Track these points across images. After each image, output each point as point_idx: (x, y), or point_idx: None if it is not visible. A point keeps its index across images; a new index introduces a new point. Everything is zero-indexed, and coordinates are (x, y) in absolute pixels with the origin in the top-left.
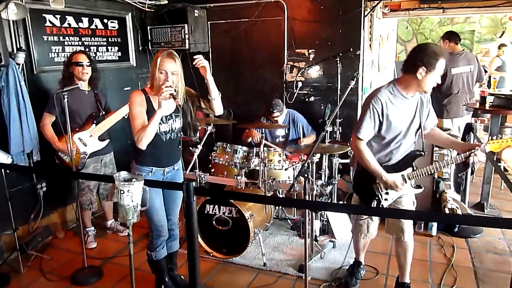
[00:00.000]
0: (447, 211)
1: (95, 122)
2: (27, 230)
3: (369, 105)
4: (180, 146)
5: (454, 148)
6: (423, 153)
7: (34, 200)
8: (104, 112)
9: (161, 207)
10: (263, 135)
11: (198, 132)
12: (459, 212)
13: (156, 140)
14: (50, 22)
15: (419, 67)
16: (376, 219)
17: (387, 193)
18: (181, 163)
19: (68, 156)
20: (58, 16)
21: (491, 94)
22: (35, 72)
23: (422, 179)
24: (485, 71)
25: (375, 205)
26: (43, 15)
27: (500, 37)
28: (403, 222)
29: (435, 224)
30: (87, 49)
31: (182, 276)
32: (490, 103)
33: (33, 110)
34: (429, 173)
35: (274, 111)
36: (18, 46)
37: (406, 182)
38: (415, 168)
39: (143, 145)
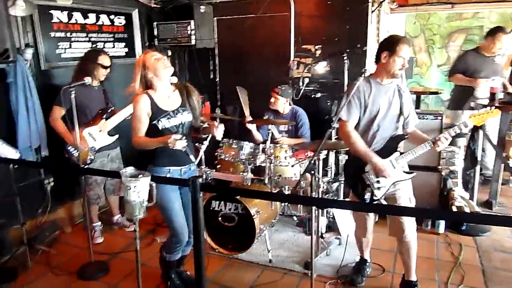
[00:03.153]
0: (454, 209)
1: (105, 117)
2: (34, 225)
3: (347, 91)
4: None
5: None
6: (406, 136)
7: (42, 195)
8: (113, 108)
9: (180, 211)
10: (269, 131)
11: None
12: (467, 210)
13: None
14: (57, 18)
15: (382, 53)
16: (371, 215)
17: (378, 182)
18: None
19: (78, 150)
20: (65, 12)
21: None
22: (42, 68)
23: (428, 176)
24: None
25: (369, 197)
26: (50, 11)
27: (510, 32)
28: (403, 222)
29: (442, 222)
30: (93, 45)
31: (188, 272)
32: (500, 100)
33: (40, 106)
34: (416, 155)
35: (278, 87)
36: (26, 42)
37: (395, 168)
38: (401, 152)
39: (138, 148)
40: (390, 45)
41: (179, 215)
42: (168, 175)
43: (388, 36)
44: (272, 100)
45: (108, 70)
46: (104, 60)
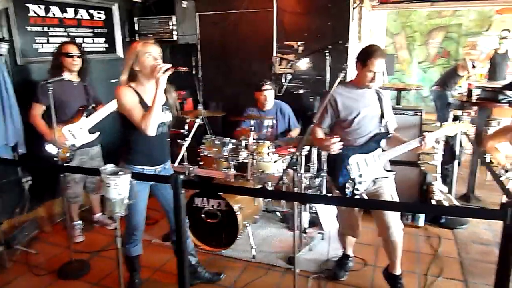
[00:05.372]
0: (433, 202)
1: (85, 114)
2: (12, 224)
3: (325, 98)
4: (168, 141)
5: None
6: (389, 134)
7: (20, 194)
8: (94, 105)
9: (143, 209)
10: (252, 127)
11: (187, 124)
12: (445, 203)
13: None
14: (34, 12)
15: (356, 63)
16: (357, 214)
17: (360, 176)
18: (169, 161)
19: (59, 147)
20: (42, 6)
21: (478, 87)
22: (18, 63)
23: (408, 171)
24: (474, 66)
25: (350, 191)
26: (27, 4)
27: (487, 30)
28: (388, 221)
29: (422, 216)
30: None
31: (207, 273)
32: (477, 96)
33: (17, 102)
34: (399, 152)
35: (264, 84)
36: (1, 37)
37: (375, 162)
38: (384, 150)
39: (152, 130)
40: (362, 57)
41: (140, 214)
42: None
43: (364, 47)
44: (268, 99)
45: (76, 59)
46: (68, 48)
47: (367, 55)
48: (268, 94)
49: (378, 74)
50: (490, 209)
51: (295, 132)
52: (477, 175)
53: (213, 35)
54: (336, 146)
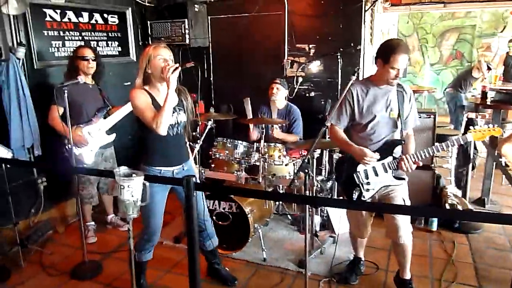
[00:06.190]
0: (447, 206)
1: (103, 116)
2: (27, 224)
3: (343, 96)
4: (186, 143)
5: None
6: (402, 141)
7: (35, 195)
8: (110, 107)
9: (161, 211)
10: (263, 130)
11: (198, 127)
12: (459, 207)
13: (164, 135)
14: (50, 16)
15: (377, 59)
16: (365, 215)
17: (368, 183)
18: (191, 164)
19: (80, 147)
20: (58, 11)
21: (492, 89)
22: (35, 67)
23: (421, 174)
24: (489, 68)
25: (356, 196)
26: (43, 9)
27: (501, 32)
28: (398, 225)
29: (435, 220)
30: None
31: (226, 268)
32: (492, 98)
33: (33, 105)
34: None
35: (276, 79)
36: (19, 41)
37: (386, 172)
38: (395, 157)
39: (163, 129)
40: (384, 53)
41: (157, 216)
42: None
43: (384, 42)
44: (274, 91)
45: (91, 62)
46: (83, 52)
47: (390, 51)
48: (277, 87)
49: (401, 71)
50: (505, 213)
51: (289, 136)
52: (492, 178)
53: (224, 39)
54: (371, 160)
